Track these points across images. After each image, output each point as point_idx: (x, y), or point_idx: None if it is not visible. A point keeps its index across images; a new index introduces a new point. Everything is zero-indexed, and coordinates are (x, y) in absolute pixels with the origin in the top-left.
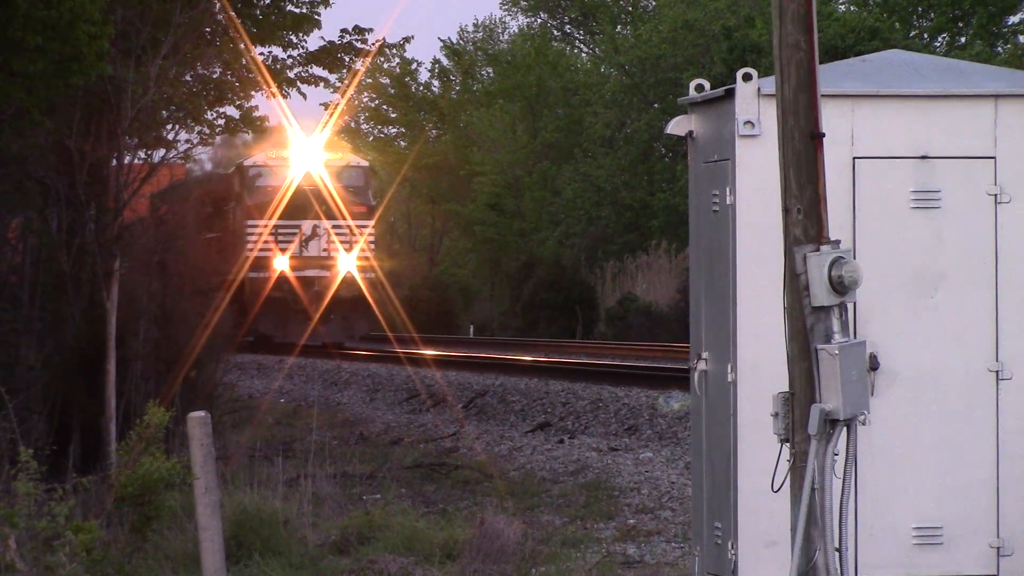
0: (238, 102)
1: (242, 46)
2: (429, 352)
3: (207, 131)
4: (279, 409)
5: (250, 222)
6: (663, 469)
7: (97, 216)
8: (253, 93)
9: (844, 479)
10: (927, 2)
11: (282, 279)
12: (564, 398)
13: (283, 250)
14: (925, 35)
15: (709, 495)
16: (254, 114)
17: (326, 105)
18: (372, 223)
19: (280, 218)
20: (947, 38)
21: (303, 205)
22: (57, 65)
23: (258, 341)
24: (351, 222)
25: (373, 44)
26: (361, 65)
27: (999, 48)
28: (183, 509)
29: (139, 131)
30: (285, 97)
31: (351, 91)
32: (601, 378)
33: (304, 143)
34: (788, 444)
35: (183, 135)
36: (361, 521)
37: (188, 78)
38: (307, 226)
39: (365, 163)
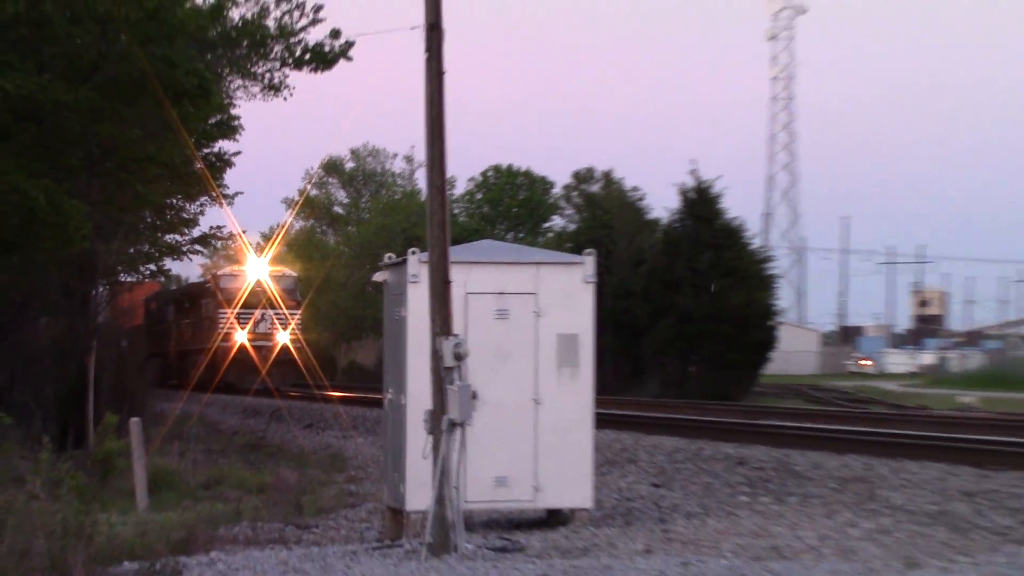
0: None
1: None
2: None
3: (148, 271)
4: (178, 417)
5: (221, 311)
6: (368, 448)
7: (84, 321)
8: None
9: (459, 452)
10: (504, 216)
11: (242, 347)
12: (321, 412)
13: (243, 328)
14: (506, 232)
15: (392, 460)
16: (168, 271)
17: (266, 240)
18: (299, 312)
19: (241, 308)
20: (515, 233)
21: (255, 300)
22: (58, 249)
23: (226, 387)
24: (285, 311)
25: (227, 233)
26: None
27: (540, 238)
28: (127, 467)
29: (106, 275)
30: (180, 260)
31: (290, 218)
32: (342, 402)
33: (256, 261)
34: (432, 435)
35: (132, 276)
36: (217, 472)
37: (132, 251)
38: (258, 313)
39: (294, 274)
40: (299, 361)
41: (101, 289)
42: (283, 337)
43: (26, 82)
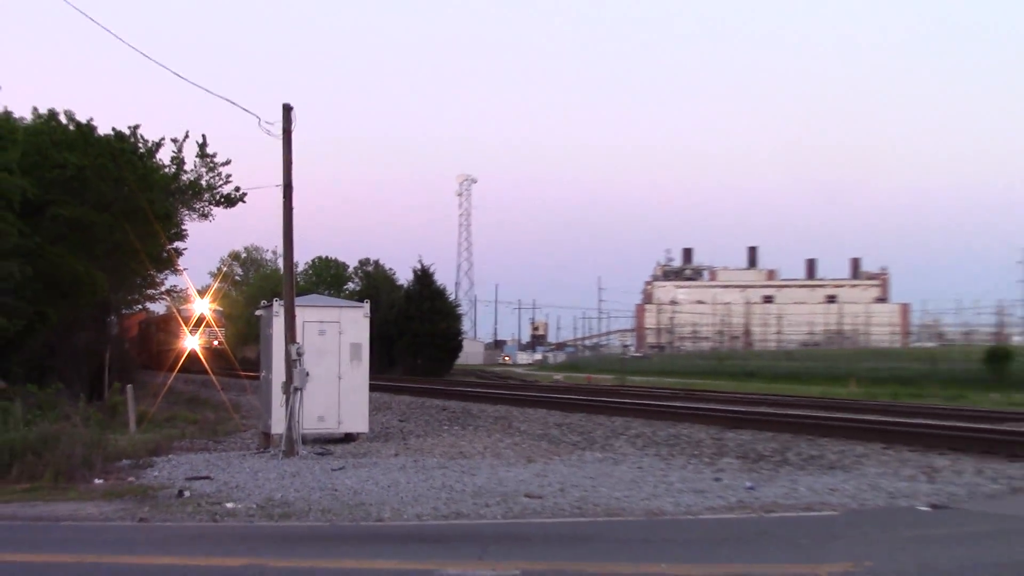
0: (146, 303)
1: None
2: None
3: (138, 308)
4: (155, 385)
5: (181, 328)
6: (253, 401)
7: (104, 335)
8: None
9: (300, 404)
10: (323, 282)
11: (192, 348)
12: (242, 384)
13: (193, 336)
14: (324, 290)
15: (264, 407)
16: (149, 308)
17: (202, 291)
18: (223, 329)
19: (192, 327)
20: (329, 292)
21: (199, 322)
22: (90, 297)
23: (183, 369)
24: (216, 328)
25: (181, 289)
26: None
27: (341, 294)
28: (124, 411)
29: (116, 311)
30: (156, 302)
31: (216, 283)
32: (241, 377)
33: (201, 302)
34: (285, 394)
35: (130, 310)
36: (172, 413)
37: (129, 298)
38: (201, 329)
39: (220, 308)
40: (223, 356)
41: (113, 318)
42: (215, 342)
43: (75, 211)
